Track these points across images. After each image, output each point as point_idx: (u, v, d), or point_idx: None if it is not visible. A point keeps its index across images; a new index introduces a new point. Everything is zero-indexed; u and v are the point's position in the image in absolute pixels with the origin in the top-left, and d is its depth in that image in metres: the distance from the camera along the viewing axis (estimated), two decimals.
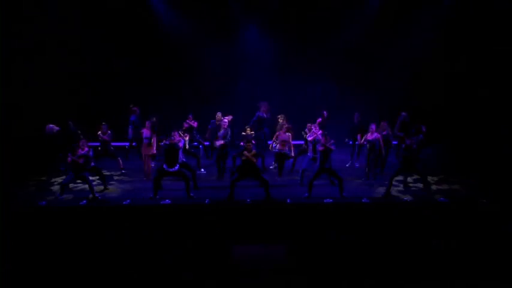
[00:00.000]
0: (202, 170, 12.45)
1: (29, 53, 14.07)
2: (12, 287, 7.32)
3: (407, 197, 10.30)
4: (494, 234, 8.74)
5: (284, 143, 11.49)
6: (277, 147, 11.60)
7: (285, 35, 15.21)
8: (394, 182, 10.46)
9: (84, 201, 9.99)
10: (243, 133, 11.85)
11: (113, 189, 11.07)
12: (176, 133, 10.64)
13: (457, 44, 14.23)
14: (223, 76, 15.52)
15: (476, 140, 12.17)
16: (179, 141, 10.65)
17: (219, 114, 12.69)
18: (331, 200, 9.99)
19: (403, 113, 11.96)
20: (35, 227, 9.07)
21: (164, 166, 10.23)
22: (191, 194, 10.19)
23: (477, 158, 11.80)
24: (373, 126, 11.26)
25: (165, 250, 8.43)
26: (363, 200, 10.03)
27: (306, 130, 11.50)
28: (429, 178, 10.87)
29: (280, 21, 15.03)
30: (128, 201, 10.08)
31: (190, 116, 13.02)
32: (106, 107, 14.75)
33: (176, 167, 10.22)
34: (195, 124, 12.93)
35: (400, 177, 10.99)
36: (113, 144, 12.34)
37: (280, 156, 11.56)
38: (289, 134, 11.58)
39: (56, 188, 10.91)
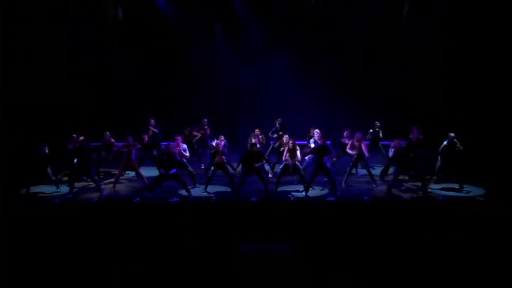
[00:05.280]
0: (202, 165, 12.70)
1: (29, 53, 14.05)
2: (25, 284, 7.40)
3: (407, 196, 10.56)
4: (492, 233, 8.93)
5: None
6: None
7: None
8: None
9: (95, 199, 10.37)
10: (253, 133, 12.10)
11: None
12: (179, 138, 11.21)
13: (457, 45, 14.54)
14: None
15: (475, 140, 12.40)
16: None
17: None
18: (333, 198, 10.29)
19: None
20: (49, 224, 9.26)
21: (161, 171, 10.54)
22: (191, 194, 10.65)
23: (477, 158, 12.03)
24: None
25: (170, 247, 8.52)
26: (364, 198, 10.39)
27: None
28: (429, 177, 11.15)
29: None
30: (138, 199, 10.40)
31: (205, 121, 13.21)
32: (106, 107, 14.84)
33: (173, 171, 10.49)
34: (208, 131, 13.18)
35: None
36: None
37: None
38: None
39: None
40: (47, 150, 10.91)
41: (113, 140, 12.23)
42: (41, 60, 14.21)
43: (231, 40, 15.67)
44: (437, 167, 11.26)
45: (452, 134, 10.96)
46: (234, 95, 15.64)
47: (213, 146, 11.40)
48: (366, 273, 7.56)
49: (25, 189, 10.96)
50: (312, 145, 11.30)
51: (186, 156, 11.39)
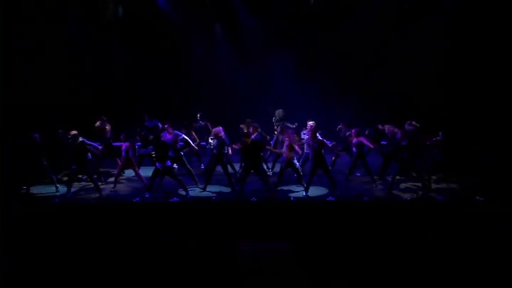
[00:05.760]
0: (202, 165, 12.75)
1: (29, 53, 14.05)
2: (25, 284, 7.41)
3: (407, 196, 10.56)
4: (492, 233, 8.93)
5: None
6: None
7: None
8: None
9: (95, 199, 10.46)
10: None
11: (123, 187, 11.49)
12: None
13: (457, 45, 14.54)
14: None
15: (475, 140, 12.43)
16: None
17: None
18: (333, 198, 10.28)
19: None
20: (49, 224, 9.30)
21: (157, 165, 10.51)
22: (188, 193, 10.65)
23: (475, 158, 12.05)
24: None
25: (170, 247, 8.53)
26: (364, 198, 10.42)
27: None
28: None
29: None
30: (138, 199, 10.43)
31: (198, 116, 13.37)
32: (106, 107, 14.81)
33: (167, 163, 10.46)
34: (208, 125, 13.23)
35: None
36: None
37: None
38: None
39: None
40: (38, 137, 10.90)
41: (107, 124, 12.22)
42: (41, 60, 14.20)
43: (231, 40, 15.71)
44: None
45: (442, 131, 10.98)
46: (233, 95, 15.67)
47: (210, 143, 11.33)
48: (366, 273, 7.54)
49: (25, 188, 11.01)
50: (305, 137, 11.32)
51: (186, 139, 11.34)
